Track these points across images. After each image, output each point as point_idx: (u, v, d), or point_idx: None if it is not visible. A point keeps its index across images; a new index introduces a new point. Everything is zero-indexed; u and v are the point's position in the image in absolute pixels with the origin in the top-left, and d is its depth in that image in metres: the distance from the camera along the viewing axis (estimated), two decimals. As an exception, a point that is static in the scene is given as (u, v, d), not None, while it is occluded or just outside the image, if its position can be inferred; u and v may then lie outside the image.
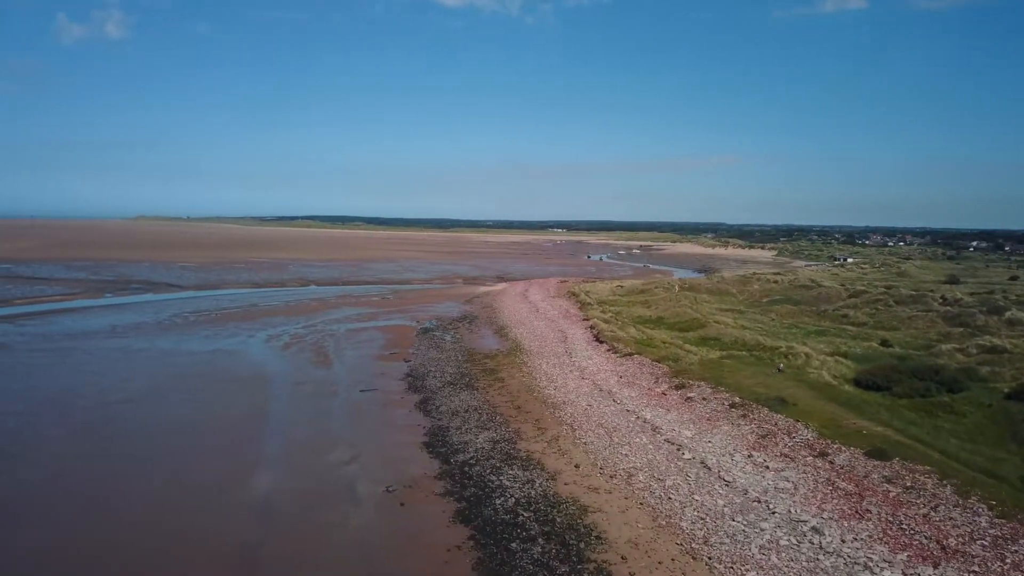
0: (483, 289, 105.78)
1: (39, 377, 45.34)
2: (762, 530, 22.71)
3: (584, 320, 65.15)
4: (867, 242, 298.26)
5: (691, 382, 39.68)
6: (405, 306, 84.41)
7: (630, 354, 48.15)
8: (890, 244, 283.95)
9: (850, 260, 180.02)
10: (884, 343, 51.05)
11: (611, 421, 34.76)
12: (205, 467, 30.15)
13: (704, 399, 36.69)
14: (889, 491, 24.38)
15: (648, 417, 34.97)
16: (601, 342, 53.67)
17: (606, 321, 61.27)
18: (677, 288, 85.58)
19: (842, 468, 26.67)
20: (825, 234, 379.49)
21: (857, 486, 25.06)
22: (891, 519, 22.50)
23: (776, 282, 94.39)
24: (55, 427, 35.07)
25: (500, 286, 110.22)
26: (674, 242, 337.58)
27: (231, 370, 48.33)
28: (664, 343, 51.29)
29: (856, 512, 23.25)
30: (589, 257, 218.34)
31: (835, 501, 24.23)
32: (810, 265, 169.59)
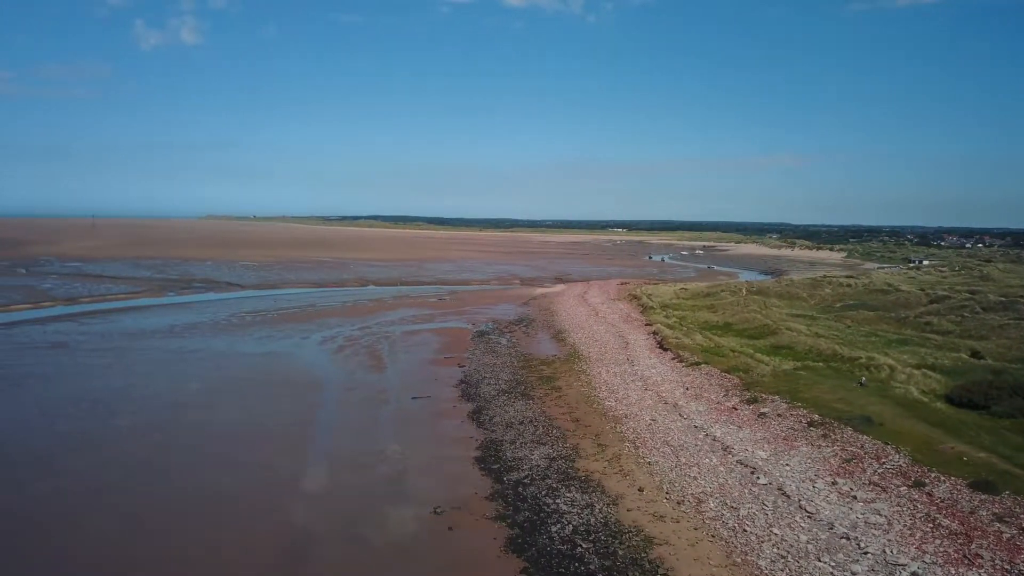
0: (541, 291, 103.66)
1: (93, 378, 45.04)
2: (853, 574, 19.98)
3: (646, 325, 62.37)
4: (942, 243, 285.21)
5: (764, 396, 36.78)
6: (462, 308, 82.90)
7: (697, 363, 45.33)
8: (967, 245, 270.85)
9: (926, 262, 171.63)
10: (975, 354, 46.97)
11: (678, 438, 32.20)
12: (244, 480, 28.78)
13: (779, 415, 33.80)
14: (1002, 532, 21.33)
15: (718, 435, 32.28)
16: (665, 349, 50.93)
17: (670, 327, 58.42)
18: (744, 291, 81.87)
19: (943, 502, 23.64)
20: (896, 235, 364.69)
21: (963, 524, 22.05)
22: (1008, 567, 19.51)
23: (849, 286, 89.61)
24: (101, 432, 34.34)
25: (558, 287, 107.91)
26: (738, 243, 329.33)
27: (282, 374, 47.30)
28: (733, 352, 48.26)
29: (964, 557, 20.31)
30: (650, 258, 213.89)
31: (937, 542, 21.29)
32: (883, 268, 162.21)
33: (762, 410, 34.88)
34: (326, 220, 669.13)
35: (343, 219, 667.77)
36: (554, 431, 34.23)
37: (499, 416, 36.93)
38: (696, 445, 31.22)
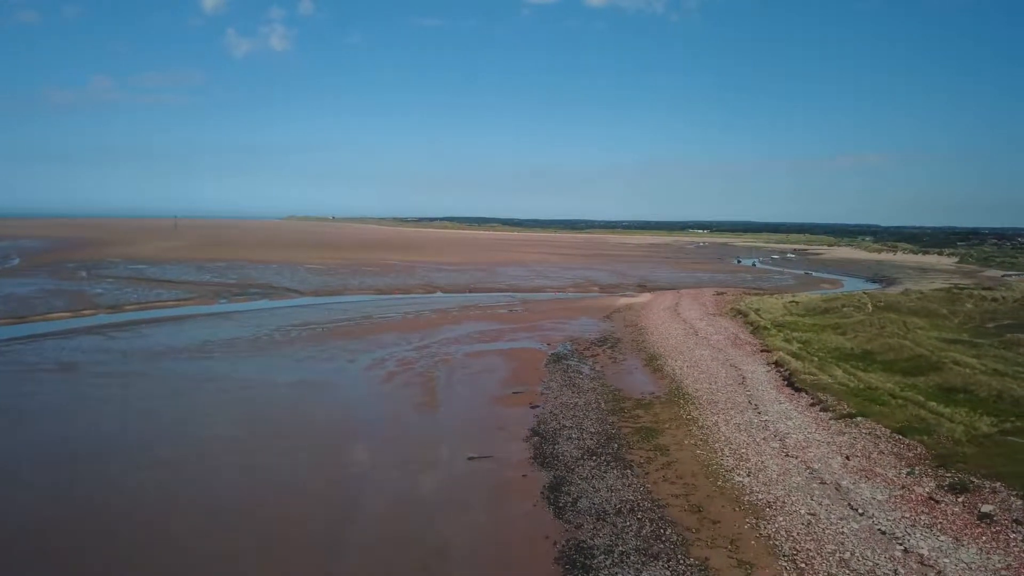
0: (624, 301, 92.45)
1: (81, 418, 36.67)
2: None
3: (763, 351, 50.74)
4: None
5: (975, 480, 25.16)
6: (535, 321, 72.65)
7: (850, 415, 33.75)
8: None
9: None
10: None
11: (863, 556, 21.04)
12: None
13: (1017, 523, 22.21)
14: None
15: (925, 552, 21.00)
16: (798, 390, 39.43)
17: (796, 355, 46.71)
18: (870, 306, 68.94)
19: None
20: (1004, 237, 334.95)
21: None
22: None
23: (996, 300, 75.50)
24: (48, 508, 25.50)
25: (643, 297, 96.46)
26: (831, 246, 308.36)
27: (310, 415, 37.96)
28: (894, 397, 36.42)
29: None
30: (739, 262, 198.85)
31: None
32: (1009, 275, 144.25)
33: (983, 508, 23.31)
34: (402, 221, 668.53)
35: (419, 220, 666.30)
36: (667, 530, 23.50)
37: (586, 497, 26.40)
38: (897, 572, 20.04)
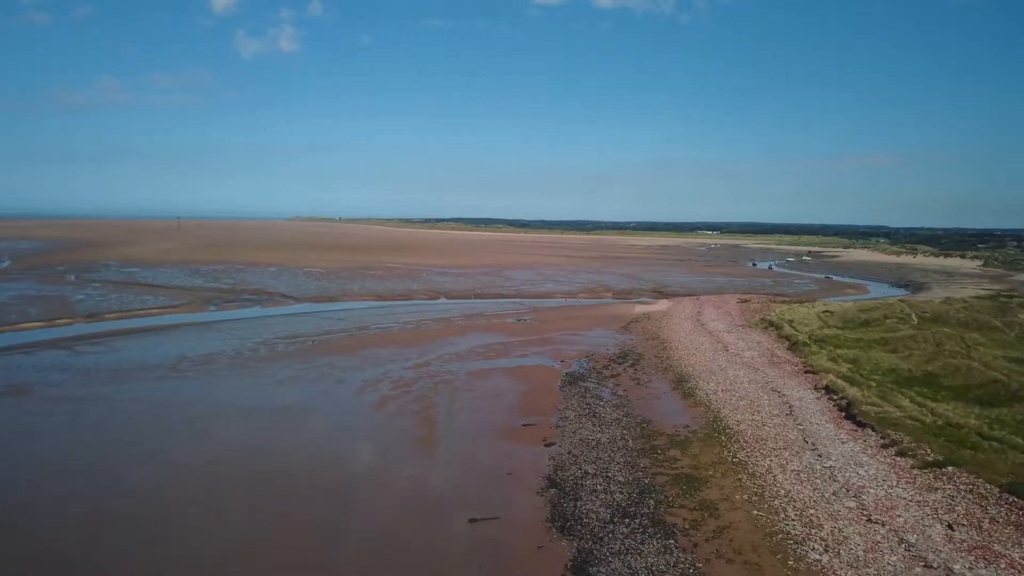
0: (640, 309, 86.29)
1: (12, 457, 30.86)
2: None
3: (806, 372, 44.67)
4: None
5: None
6: (546, 332, 66.65)
7: (936, 463, 27.64)
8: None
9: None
10: None
11: None
12: None
13: None
14: None
15: None
16: (861, 424, 33.33)
17: (848, 379, 40.60)
18: (915, 318, 62.71)
19: None
20: (1022, 239, 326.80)
21: None
22: None
23: (1048, 310, 69.13)
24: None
25: (662, 304, 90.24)
26: (846, 247, 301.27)
27: (286, 456, 31.97)
28: (983, 437, 30.31)
29: None
30: (754, 264, 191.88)
31: None
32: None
33: None
34: (408, 222, 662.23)
35: (426, 221, 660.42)
36: (736, 644, 17.53)
37: (621, 584, 20.42)
38: None
